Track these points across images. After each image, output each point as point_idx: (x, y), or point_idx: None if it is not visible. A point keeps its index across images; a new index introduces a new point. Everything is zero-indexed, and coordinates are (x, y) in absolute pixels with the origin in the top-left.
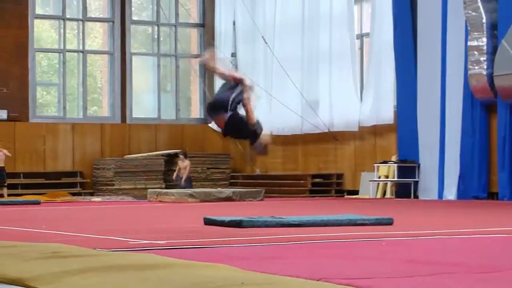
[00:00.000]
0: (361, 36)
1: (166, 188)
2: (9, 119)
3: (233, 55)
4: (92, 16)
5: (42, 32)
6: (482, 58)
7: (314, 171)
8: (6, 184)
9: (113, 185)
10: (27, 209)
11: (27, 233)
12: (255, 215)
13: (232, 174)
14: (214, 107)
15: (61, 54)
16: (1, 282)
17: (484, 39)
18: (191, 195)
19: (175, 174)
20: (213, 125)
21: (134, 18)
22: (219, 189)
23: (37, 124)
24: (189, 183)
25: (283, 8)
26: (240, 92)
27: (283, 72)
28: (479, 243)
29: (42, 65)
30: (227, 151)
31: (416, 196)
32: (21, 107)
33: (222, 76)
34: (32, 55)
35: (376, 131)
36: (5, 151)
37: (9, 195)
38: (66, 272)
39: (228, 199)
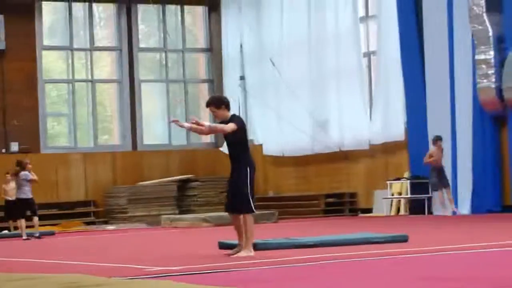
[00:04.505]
0: (368, 54)
1: (179, 213)
2: (21, 151)
3: (242, 78)
4: (100, 45)
5: (51, 63)
6: (490, 72)
7: (327, 191)
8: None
9: (126, 212)
10: (42, 240)
11: (42, 264)
12: (270, 238)
13: None
14: None
15: (70, 84)
16: None
17: (491, 52)
18: (205, 220)
19: (427, 159)
20: (223, 148)
21: (141, 45)
22: None
23: (49, 155)
24: (438, 173)
25: (289, 29)
26: None
27: (292, 94)
28: (496, 257)
29: (51, 96)
30: None
31: (430, 212)
32: (32, 138)
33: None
34: (41, 87)
35: (387, 148)
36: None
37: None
38: None
39: None
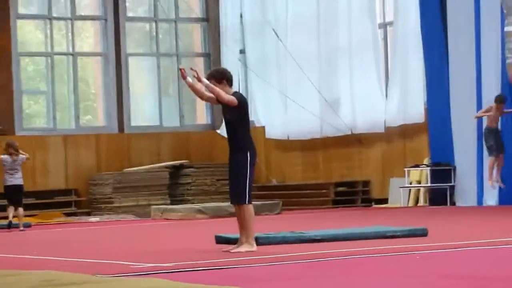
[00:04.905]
0: (384, 25)
1: (171, 203)
2: None
3: (242, 52)
4: (82, 14)
5: (27, 34)
6: None
7: (337, 179)
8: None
9: (112, 202)
10: (17, 232)
11: (16, 260)
12: (272, 231)
13: None
14: None
15: (49, 58)
16: None
17: None
18: (200, 211)
19: (480, 113)
20: (221, 131)
21: (129, 14)
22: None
23: (25, 138)
24: (495, 135)
25: None
26: None
27: (299, 69)
28: None
29: (27, 71)
30: None
31: (452, 203)
32: (6, 119)
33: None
34: (16, 61)
35: (405, 131)
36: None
37: None
38: None
39: None
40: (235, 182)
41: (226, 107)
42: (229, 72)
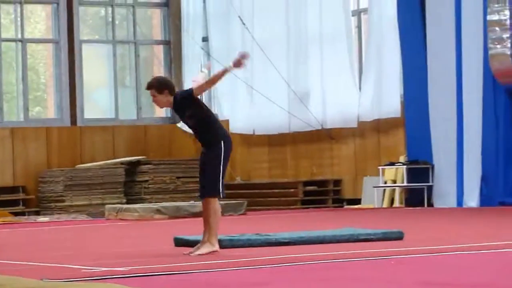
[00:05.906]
0: (358, 13)
1: (127, 203)
2: None
3: (205, 39)
4: None
5: None
6: (505, 35)
7: (306, 178)
8: None
9: (63, 201)
10: None
11: None
12: (236, 233)
13: None
14: None
15: None
16: None
17: (507, 12)
18: (158, 211)
19: None
20: (182, 125)
21: None
22: (191, 202)
23: None
24: None
25: None
26: None
27: (266, 59)
28: (508, 260)
29: None
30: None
31: (430, 204)
32: None
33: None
34: None
35: (380, 126)
36: None
37: None
38: None
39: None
40: (206, 174)
41: (183, 118)
42: (171, 81)
